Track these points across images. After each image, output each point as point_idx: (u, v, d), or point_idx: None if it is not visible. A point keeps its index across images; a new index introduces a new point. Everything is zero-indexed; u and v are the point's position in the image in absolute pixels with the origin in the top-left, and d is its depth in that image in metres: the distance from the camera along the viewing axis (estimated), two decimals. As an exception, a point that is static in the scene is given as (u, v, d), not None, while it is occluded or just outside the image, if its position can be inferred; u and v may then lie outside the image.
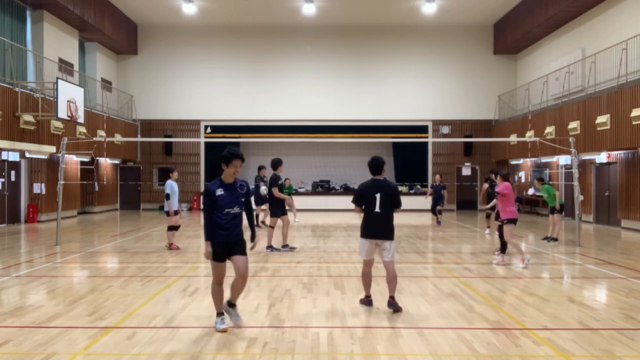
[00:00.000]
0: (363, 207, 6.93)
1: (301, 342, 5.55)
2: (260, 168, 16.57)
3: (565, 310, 6.87)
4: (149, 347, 5.38)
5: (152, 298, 7.51)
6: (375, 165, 6.99)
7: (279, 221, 12.09)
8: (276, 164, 12.03)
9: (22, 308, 6.96)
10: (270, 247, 11.97)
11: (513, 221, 10.10)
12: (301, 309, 6.91)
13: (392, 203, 6.89)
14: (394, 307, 6.75)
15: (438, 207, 18.30)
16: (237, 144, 26.85)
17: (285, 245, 12.14)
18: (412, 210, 25.10)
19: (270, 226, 12.07)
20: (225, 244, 5.87)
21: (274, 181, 11.86)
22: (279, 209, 11.93)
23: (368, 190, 6.90)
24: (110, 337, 5.71)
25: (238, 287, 6.02)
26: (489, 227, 15.48)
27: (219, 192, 5.84)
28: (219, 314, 6.04)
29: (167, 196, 11.95)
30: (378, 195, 6.81)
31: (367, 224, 6.87)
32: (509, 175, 10.58)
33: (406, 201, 24.96)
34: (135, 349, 5.32)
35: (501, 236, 10.44)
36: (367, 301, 7.07)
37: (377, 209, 6.80)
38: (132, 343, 5.49)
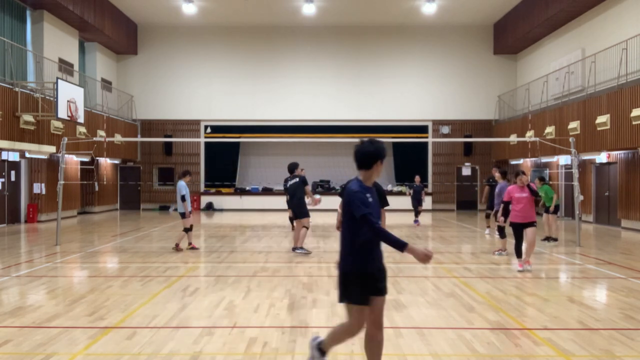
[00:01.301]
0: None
1: (301, 342, 5.55)
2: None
3: (565, 310, 6.87)
4: (149, 347, 5.38)
5: (152, 298, 7.50)
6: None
7: (290, 223, 11.94)
8: (294, 167, 12.01)
9: (22, 308, 6.96)
10: (301, 249, 11.65)
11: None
12: (301, 309, 6.91)
13: (380, 202, 7.18)
14: None
15: (420, 208, 18.72)
16: (237, 144, 26.95)
17: (300, 248, 11.74)
18: (412, 210, 25.09)
19: (304, 226, 11.67)
20: (373, 275, 4.23)
21: (306, 181, 11.85)
22: (306, 209, 11.75)
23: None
24: (110, 337, 5.71)
25: (348, 335, 4.45)
26: (488, 227, 15.47)
27: (369, 198, 4.22)
28: None
29: (183, 197, 11.91)
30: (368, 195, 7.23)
31: None
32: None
33: (406, 201, 25.12)
34: (135, 349, 5.32)
35: (518, 237, 9.72)
36: None
37: None
38: (132, 343, 5.49)
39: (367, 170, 4.31)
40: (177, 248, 12.11)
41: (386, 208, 7.33)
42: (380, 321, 4.34)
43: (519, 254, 9.70)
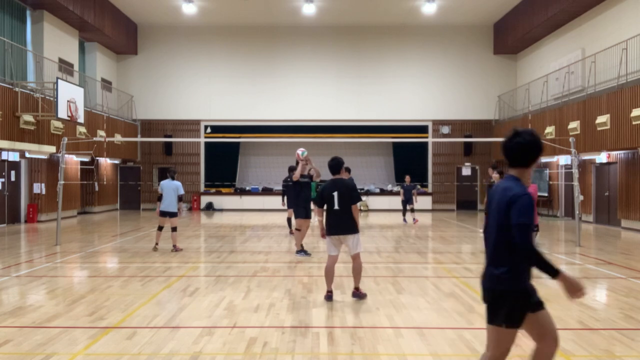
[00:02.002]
0: (325, 207, 7.37)
1: (301, 342, 5.55)
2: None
3: (565, 310, 6.87)
4: (149, 347, 5.38)
5: (152, 298, 7.51)
6: (332, 165, 7.48)
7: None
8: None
9: (22, 308, 6.96)
10: (300, 252, 11.37)
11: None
12: (301, 309, 6.91)
13: (349, 199, 7.24)
14: (358, 296, 7.42)
15: (410, 206, 19.16)
16: (237, 144, 26.95)
17: (300, 252, 11.46)
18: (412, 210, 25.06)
19: (297, 229, 11.52)
20: (526, 290, 3.52)
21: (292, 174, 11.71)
22: (300, 209, 11.49)
23: (326, 190, 7.34)
24: (110, 337, 5.71)
25: None
26: None
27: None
28: None
29: (181, 197, 11.95)
30: (336, 194, 7.24)
31: (330, 222, 7.29)
32: None
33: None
34: (135, 349, 5.32)
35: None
36: (328, 296, 7.35)
37: (337, 207, 7.23)
38: (132, 343, 5.49)
39: (525, 167, 3.53)
40: (176, 249, 12.06)
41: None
42: (555, 336, 3.72)
43: None
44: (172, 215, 11.94)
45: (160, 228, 12.23)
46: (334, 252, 7.35)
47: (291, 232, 14.99)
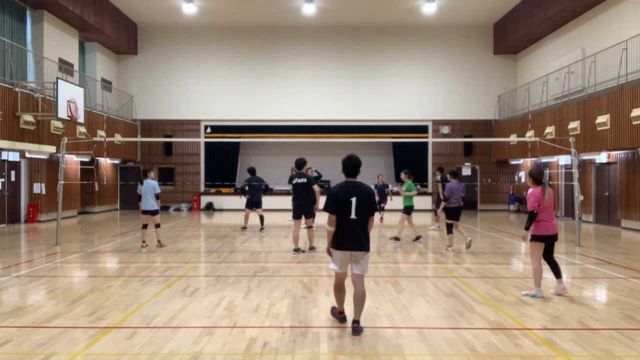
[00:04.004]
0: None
1: (301, 342, 5.55)
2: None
3: (565, 310, 6.87)
4: (149, 347, 5.38)
5: (152, 298, 7.51)
6: (352, 165, 6.02)
7: (293, 222, 12.10)
8: (301, 163, 11.97)
9: (22, 308, 6.96)
10: (312, 248, 11.99)
11: (543, 238, 7.62)
12: (301, 309, 6.91)
13: (368, 209, 5.95)
14: (357, 331, 5.81)
15: (382, 205, 19.67)
16: (237, 144, 26.95)
17: (297, 249, 11.89)
18: (413, 211, 25.06)
19: (309, 226, 11.94)
20: None
21: (312, 181, 11.92)
22: (312, 209, 11.97)
23: (344, 194, 5.90)
24: (110, 337, 5.71)
25: None
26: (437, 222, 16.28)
27: None
28: None
29: (158, 195, 12.52)
30: (354, 200, 5.85)
31: (343, 234, 5.89)
32: (542, 176, 7.79)
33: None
34: (135, 349, 5.32)
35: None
36: (341, 318, 6.23)
37: (353, 216, 5.85)
38: (132, 343, 5.49)
39: None
40: (160, 244, 12.65)
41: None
42: None
43: (556, 274, 7.83)
44: (154, 213, 12.47)
45: (144, 226, 12.73)
46: (344, 269, 6.01)
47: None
